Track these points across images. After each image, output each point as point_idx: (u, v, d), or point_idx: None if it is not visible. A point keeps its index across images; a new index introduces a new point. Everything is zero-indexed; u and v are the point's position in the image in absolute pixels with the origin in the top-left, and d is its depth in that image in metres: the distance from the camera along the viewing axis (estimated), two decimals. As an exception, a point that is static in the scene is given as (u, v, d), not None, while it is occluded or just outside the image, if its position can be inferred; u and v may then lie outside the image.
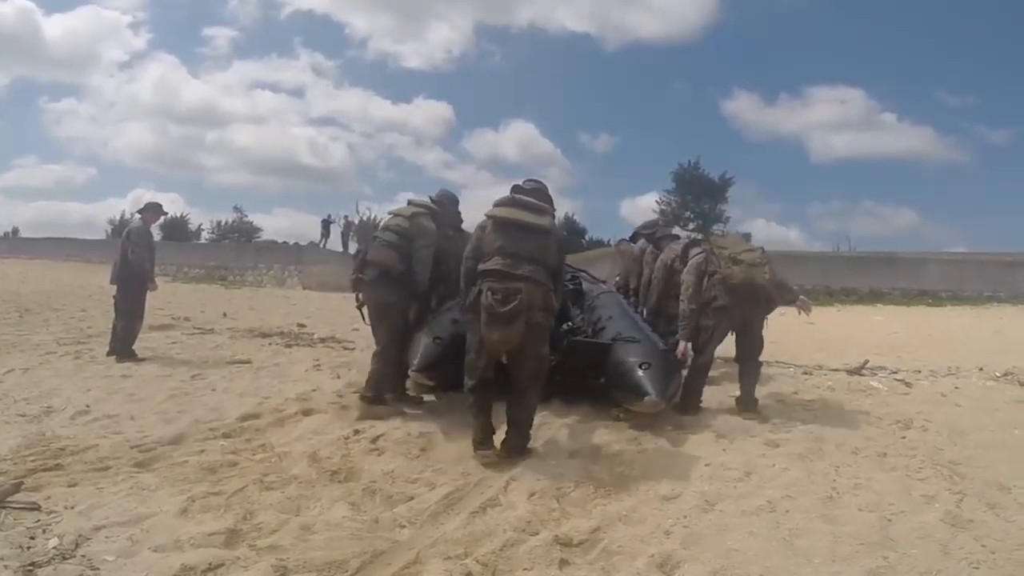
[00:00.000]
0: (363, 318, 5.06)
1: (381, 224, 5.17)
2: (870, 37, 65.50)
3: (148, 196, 7.97)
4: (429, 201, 5.30)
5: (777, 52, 68.66)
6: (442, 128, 77.22)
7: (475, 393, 3.93)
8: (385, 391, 4.87)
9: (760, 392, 5.21)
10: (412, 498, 3.29)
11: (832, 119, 71.49)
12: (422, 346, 4.84)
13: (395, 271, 4.80)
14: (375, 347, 4.93)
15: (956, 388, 6.28)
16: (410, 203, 5.20)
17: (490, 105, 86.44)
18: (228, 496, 3.21)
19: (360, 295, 4.99)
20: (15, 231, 47.24)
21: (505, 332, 3.73)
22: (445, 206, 5.43)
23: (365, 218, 29.76)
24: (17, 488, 3.13)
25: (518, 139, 75.53)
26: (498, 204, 4.14)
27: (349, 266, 5.65)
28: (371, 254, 4.88)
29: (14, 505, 2.96)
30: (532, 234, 3.96)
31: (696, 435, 4.39)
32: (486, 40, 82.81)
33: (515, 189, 4.36)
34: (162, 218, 7.89)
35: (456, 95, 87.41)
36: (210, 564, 2.53)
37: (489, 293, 3.74)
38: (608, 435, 4.37)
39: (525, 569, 2.61)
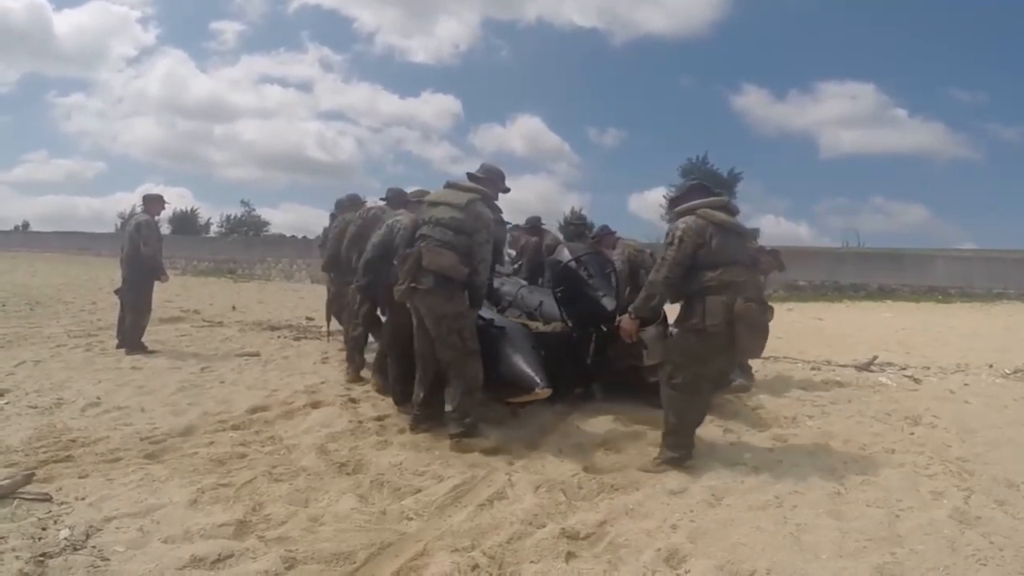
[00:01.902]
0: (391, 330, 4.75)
1: (426, 216, 4.25)
2: (881, 32, 64.98)
3: (157, 190, 8.06)
4: (473, 182, 4.39)
5: (787, 47, 68.26)
6: (450, 122, 77.06)
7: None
8: (468, 418, 4.02)
9: (769, 388, 5.20)
10: (420, 490, 3.31)
11: (842, 115, 70.91)
12: (526, 359, 4.29)
13: (459, 276, 4.08)
14: (422, 371, 4.30)
15: (965, 385, 6.26)
16: (453, 185, 4.38)
17: (497, 100, 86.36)
18: (237, 488, 3.24)
19: (410, 307, 4.24)
20: (25, 225, 47.65)
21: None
22: (494, 185, 4.48)
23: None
24: (29, 479, 3.16)
25: (525, 133, 75.34)
26: (715, 207, 3.76)
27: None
28: (427, 258, 4.03)
29: (26, 496, 2.99)
30: (744, 239, 3.92)
31: (703, 430, 4.38)
32: (493, 35, 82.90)
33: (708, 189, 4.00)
34: (164, 209, 7.90)
35: (464, 90, 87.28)
36: (219, 555, 2.55)
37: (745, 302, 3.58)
38: (615, 429, 4.38)
39: (532, 562, 2.62)
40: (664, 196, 38.04)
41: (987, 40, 57.86)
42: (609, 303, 5.15)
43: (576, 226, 7.93)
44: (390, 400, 4.93)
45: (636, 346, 4.04)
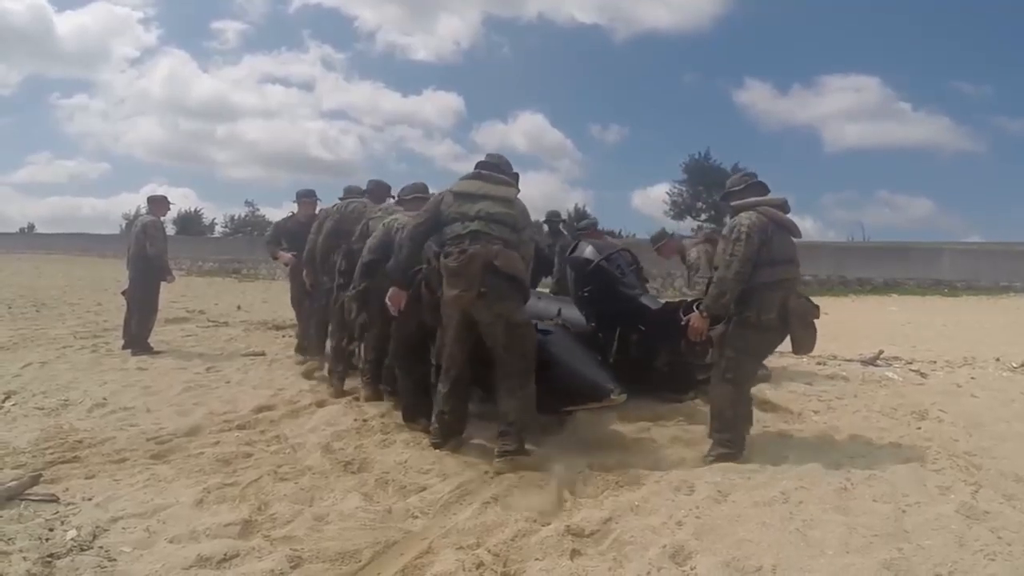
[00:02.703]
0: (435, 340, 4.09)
1: (469, 211, 3.82)
2: (886, 25, 64.84)
3: (161, 191, 8.17)
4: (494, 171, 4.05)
5: (790, 41, 68.06)
6: (452, 120, 77.18)
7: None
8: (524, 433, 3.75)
9: (774, 382, 5.18)
10: (424, 489, 3.31)
11: (847, 108, 70.81)
12: (590, 364, 4.15)
13: (522, 278, 3.82)
14: (451, 384, 3.86)
15: (972, 379, 6.24)
16: (487, 177, 3.98)
17: (499, 97, 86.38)
18: (243, 487, 3.24)
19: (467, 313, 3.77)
20: (31, 227, 47.88)
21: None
22: (514, 177, 4.21)
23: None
24: (36, 480, 3.17)
25: (528, 130, 75.34)
26: (774, 205, 3.84)
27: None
28: (502, 259, 3.68)
29: (33, 497, 3.00)
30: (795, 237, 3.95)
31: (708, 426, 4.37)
32: (495, 32, 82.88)
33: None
34: (169, 210, 8.01)
35: (465, 87, 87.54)
36: (225, 554, 2.55)
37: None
38: (620, 426, 4.37)
39: (536, 559, 2.61)
40: (667, 192, 38.20)
41: (992, 32, 57.74)
42: (651, 302, 5.00)
43: (551, 222, 7.60)
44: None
45: (685, 344, 4.09)
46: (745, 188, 4.01)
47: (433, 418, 3.94)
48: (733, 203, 3.97)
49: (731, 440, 3.75)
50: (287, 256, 7.08)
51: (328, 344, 5.98)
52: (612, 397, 4.01)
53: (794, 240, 3.92)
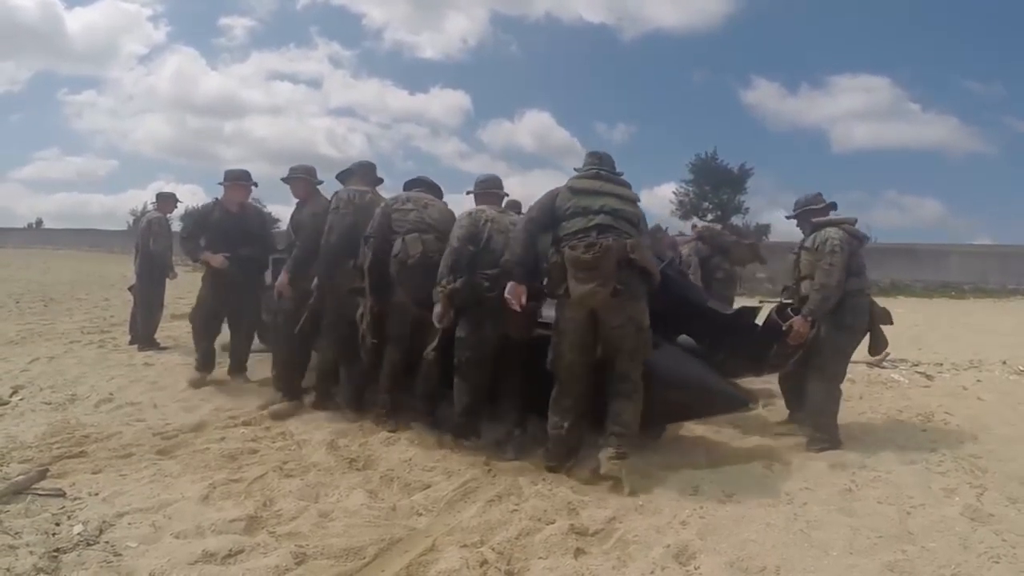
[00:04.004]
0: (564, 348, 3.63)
1: (593, 205, 3.62)
2: (896, 25, 64.60)
3: (168, 188, 8.18)
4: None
5: (800, 40, 68.10)
6: (459, 118, 77.42)
7: None
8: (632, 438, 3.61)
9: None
10: (429, 486, 3.32)
11: (855, 108, 70.72)
12: (711, 373, 4.00)
13: (655, 277, 3.67)
14: (571, 395, 3.65)
15: (978, 381, 6.20)
16: (600, 176, 3.79)
17: (506, 95, 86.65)
18: (248, 483, 3.26)
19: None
20: (39, 222, 48.03)
21: None
22: None
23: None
24: (43, 475, 3.20)
25: (534, 129, 75.53)
26: (852, 223, 4.25)
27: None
28: (639, 254, 3.55)
29: (40, 492, 3.02)
30: None
31: (713, 426, 4.37)
32: (502, 30, 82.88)
33: None
34: (176, 207, 7.99)
35: (472, 85, 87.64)
36: (231, 550, 2.57)
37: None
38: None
39: (540, 557, 2.62)
40: (674, 192, 38.08)
41: (1003, 33, 57.43)
42: (721, 306, 4.71)
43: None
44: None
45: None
46: (823, 208, 4.41)
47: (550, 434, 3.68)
48: (814, 219, 4.34)
49: (834, 434, 4.09)
50: (219, 259, 5.40)
51: (343, 372, 4.75)
52: (750, 406, 4.25)
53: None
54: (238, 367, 5.65)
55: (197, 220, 5.76)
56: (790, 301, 4.25)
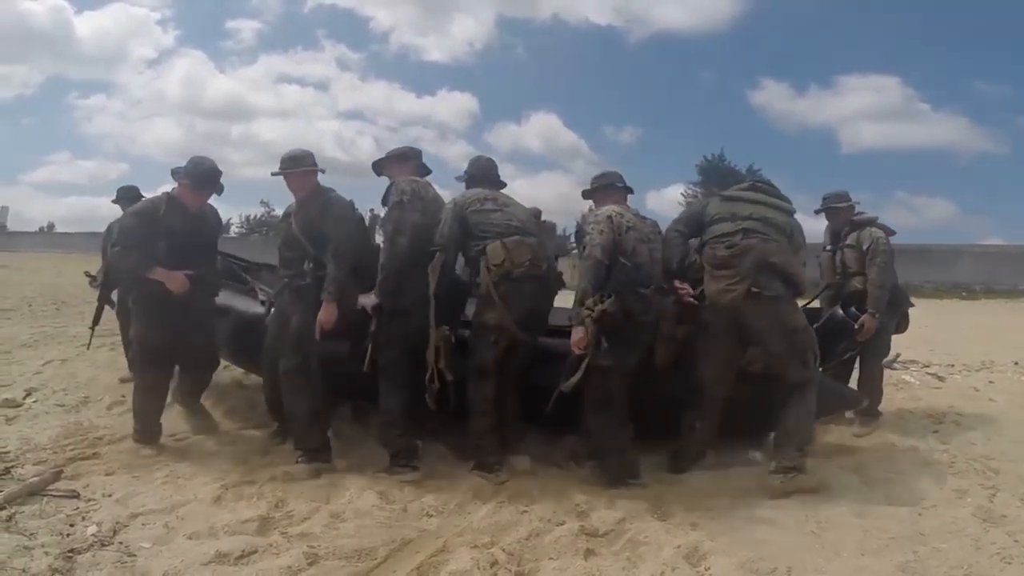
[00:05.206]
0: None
1: (748, 212, 3.52)
2: (906, 25, 64.37)
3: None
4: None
5: (808, 40, 68.01)
6: (466, 121, 77.63)
7: None
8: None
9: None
10: (440, 488, 3.32)
11: (865, 109, 70.66)
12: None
13: (800, 282, 3.59)
14: (709, 409, 3.57)
15: (990, 382, 6.17)
16: (756, 187, 3.71)
17: (513, 98, 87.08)
18: (260, 485, 3.28)
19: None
20: (50, 226, 48.38)
21: None
22: None
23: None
24: (57, 477, 3.21)
25: (541, 131, 75.70)
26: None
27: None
28: (780, 257, 3.46)
29: (54, 493, 3.04)
30: None
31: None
32: (508, 33, 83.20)
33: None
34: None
35: (479, 88, 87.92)
36: (243, 551, 2.58)
37: None
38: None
39: (551, 558, 2.62)
40: (682, 194, 38.01)
41: (1014, 32, 57.13)
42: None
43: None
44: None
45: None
46: (851, 205, 4.70)
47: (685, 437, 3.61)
48: (855, 217, 4.65)
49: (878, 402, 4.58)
50: (179, 278, 3.75)
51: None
52: (864, 403, 4.34)
53: None
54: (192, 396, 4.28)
55: (146, 219, 3.82)
56: (845, 301, 4.42)
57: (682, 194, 38.15)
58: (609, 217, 3.53)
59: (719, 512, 3.06)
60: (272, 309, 4.03)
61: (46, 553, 2.48)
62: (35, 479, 3.12)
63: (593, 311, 3.28)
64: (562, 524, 2.91)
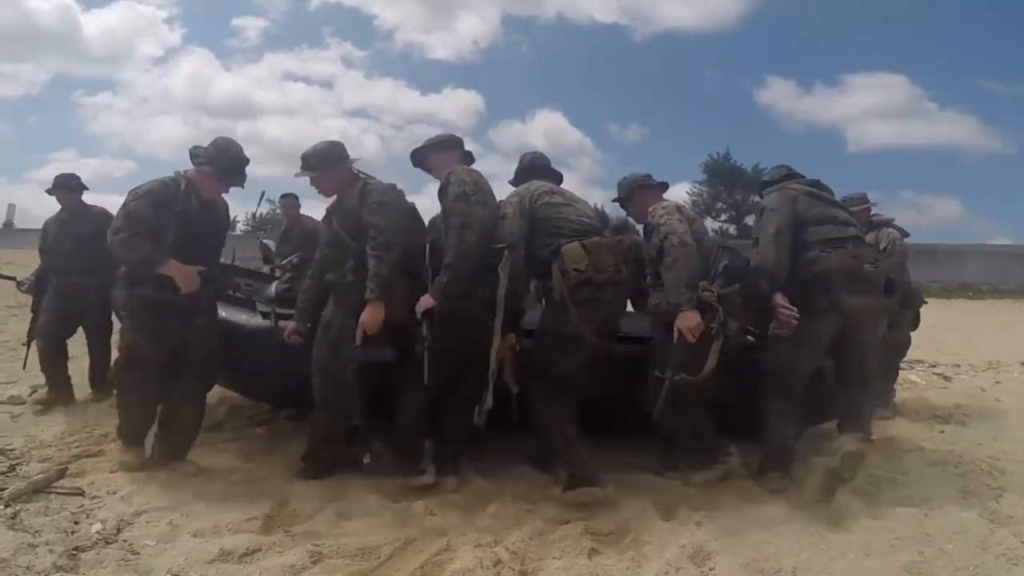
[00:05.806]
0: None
1: (824, 212, 3.39)
2: (913, 23, 64.15)
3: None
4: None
5: (814, 39, 67.71)
6: (471, 119, 77.48)
7: None
8: None
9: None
10: (443, 487, 3.31)
11: (872, 107, 70.38)
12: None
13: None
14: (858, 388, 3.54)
15: (997, 383, 6.16)
16: (819, 185, 3.52)
17: (518, 96, 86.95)
18: (265, 483, 3.28)
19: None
20: (57, 224, 48.37)
21: None
22: None
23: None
24: (62, 474, 3.23)
25: (546, 130, 75.53)
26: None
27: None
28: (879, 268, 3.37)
29: (59, 491, 3.06)
30: None
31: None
32: (513, 31, 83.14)
33: None
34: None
35: (484, 86, 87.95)
36: (247, 549, 2.59)
37: None
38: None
39: (555, 558, 2.62)
40: (687, 192, 37.93)
41: (1021, 31, 56.80)
42: None
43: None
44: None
45: None
46: (868, 207, 4.78)
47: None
48: (873, 217, 4.83)
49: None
50: (191, 273, 3.27)
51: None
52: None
53: None
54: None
55: (161, 204, 3.27)
56: None
57: (687, 192, 38.09)
58: (679, 207, 3.36)
59: (724, 512, 3.04)
60: (278, 322, 3.63)
61: (50, 550, 2.49)
62: (40, 476, 3.14)
63: (713, 294, 3.05)
64: (566, 523, 2.91)
